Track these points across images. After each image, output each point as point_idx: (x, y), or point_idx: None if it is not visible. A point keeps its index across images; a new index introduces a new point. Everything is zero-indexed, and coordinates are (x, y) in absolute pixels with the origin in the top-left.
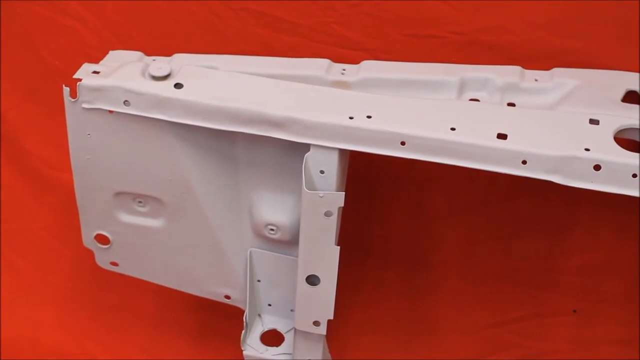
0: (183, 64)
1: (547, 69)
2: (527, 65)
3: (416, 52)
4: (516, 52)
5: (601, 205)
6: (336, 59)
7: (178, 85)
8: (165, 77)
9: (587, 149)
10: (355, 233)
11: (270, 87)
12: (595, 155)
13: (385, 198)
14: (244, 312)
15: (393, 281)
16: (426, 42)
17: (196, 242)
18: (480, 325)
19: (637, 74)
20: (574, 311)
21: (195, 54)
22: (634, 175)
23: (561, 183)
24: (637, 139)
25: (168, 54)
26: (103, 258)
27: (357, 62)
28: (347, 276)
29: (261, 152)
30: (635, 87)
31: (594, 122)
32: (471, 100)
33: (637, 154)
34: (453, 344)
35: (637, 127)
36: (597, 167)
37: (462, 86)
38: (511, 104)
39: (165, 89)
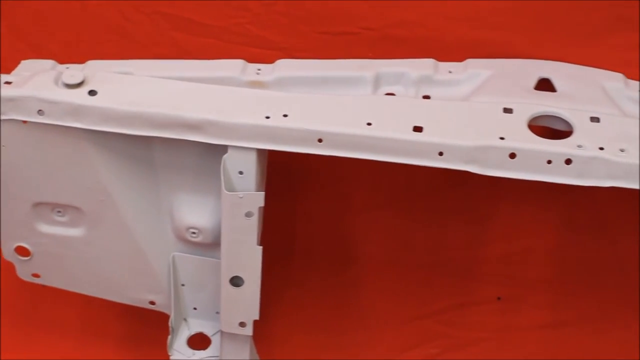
0: (97, 70)
1: (461, 60)
2: (440, 58)
3: (331, 49)
4: (430, 45)
5: (520, 193)
6: (251, 59)
7: (92, 92)
8: (79, 85)
9: (502, 138)
10: (279, 232)
11: (185, 90)
12: (510, 144)
13: (307, 195)
14: (169, 317)
15: (319, 278)
16: (340, 39)
17: (118, 250)
18: (407, 317)
19: (549, 62)
20: (498, 299)
21: (108, 60)
22: (549, 162)
23: (478, 172)
24: (551, 126)
25: (81, 61)
26: (24, 270)
27: (272, 62)
28: (272, 276)
29: (179, 156)
30: (547, 75)
31: (507, 111)
32: (387, 94)
33: (551, 141)
34: (381, 338)
35: (551, 114)
36: (512, 155)
37: (377, 81)
38: (426, 97)
39: (79, 96)
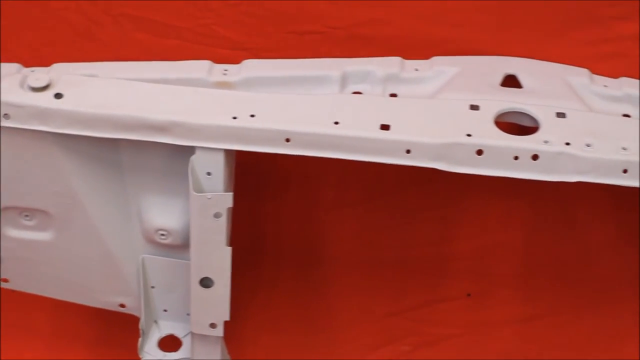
0: (62, 73)
1: (427, 58)
2: (407, 56)
3: (297, 48)
4: (396, 44)
5: (488, 189)
6: (217, 60)
7: (58, 96)
8: (45, 88)
9: (468, 135)
10: (248, 232)
11: (151, 91)
12: (477, 140)
13: (276, 195)
14: (140, 319)
15: (289, 278)
16: (306, 38)
17: (86, 253)
18: (378, 315)
19: (515, 58)
20: (468, 295)
21: (74, 62)
22: (516, 158)
23: (446, 170)
24: (518, 122)
25: (47, 64)
26: None
27: (239, 62)
28: (242, 276)
29: (146, 157)
30: (513, 72)
31: (474, 107)
32: (354, 93)
33: (517, 137)
34: (352, 336)
35: (517, 110)
36: (479, 152)
37: (344, 80)
38: (393, 95)
39: (45, 99)
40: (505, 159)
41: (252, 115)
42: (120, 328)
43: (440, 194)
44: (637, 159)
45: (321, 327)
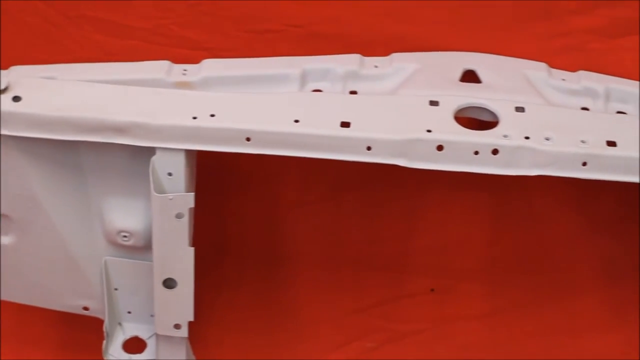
0: (21, 76)
1: (386, 55)
2: (366, 53)
3: (256, 47)
4: (355, 41)
5: (449, 184)
6: (177, 60)
7: (16, 99)
8: (3, 91)
9: (429, 131)
10: (211, 232)
11: (111, 93)
12: (437, 136)
13: (238, 194)
14: (104, 322)
15: (253, 277)
16: (266, 36)
17: (48, 256)
18: (343, 312)
19: (474, 53)
20: (432, 290)
21: (32, 65)
22: (476, 153)
23: (407, 166)
24: (477, 117)
25: (4, 67)
26: None
27: (198, 62)
28: (206, 276)
29: (107, 159)
30: (471, 67)
31: (434, 103)
32: (313, 91)
33: (477, 132)
34: (318, 334)
35: (476, 105)
36: (439, 148)
37: (304, 78)
38: (353, 92)
39: (3, 102)
40: (466, 154)
41: (212, 115)
42: (84, 331)
43: (402, 190)
44: (596, 151)
45: (286, 326)
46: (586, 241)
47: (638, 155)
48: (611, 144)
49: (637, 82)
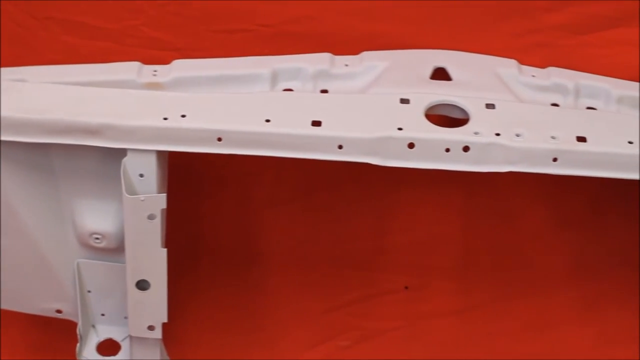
0: None
1: (357, 53)
2: (336, 52)
3: (227, 47)
4: (325, 40)
5: (422, 181)
6: (147, 61)
7: None
8: None
9: (400, 129)
10: (183, 233)
11: (81, 94)
12: (408, 134)
13: (211, 195)
14: (77, 324)
15: (227, 277)
16: (236, 36)
17: (21, 260)
18: (317, 312)
19: (444, 51)
20: (406, 288)
21: (2, 68)
22: (447, 150)
23: (379, 164)
24: (448, 114)
25: None
26: None
27: (169, 63)
28: (179, 277)
29: (78, 161)
30: (442, 64)
31: (404, 101)
32: (284, 90)
33: (448, 129)
34: (291, 333)
35: (447, 102)
36: (411, 145)
37: (275, 77)
38: (324, 91)
39: None
40: (437, 152)
41: (183, 116)
42: (58, 334)
43: (375, 189)
44: (567, 147)
45: (260, 326)
46: (557, 237)
47: (608, 150)
48: (581, 139)
49: (606, 78)
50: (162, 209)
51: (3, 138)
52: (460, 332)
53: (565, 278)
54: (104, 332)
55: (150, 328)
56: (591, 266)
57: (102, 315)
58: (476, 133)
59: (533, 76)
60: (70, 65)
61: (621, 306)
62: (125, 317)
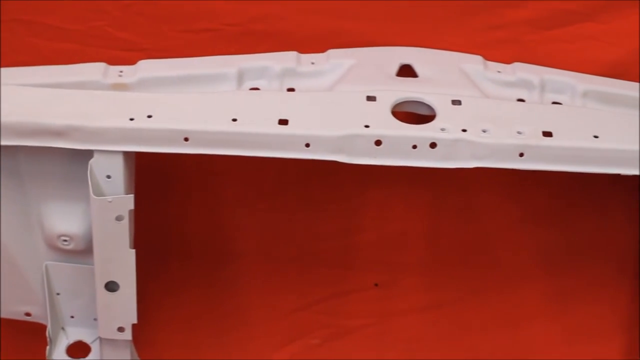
0: None
1: (323, 51)
2: (302, 50)
3: (193, 47)
4: (291, 38)
5: (389, 179)
6: (112, 62)
7: None
8: None
9: (366, 126)
10: (152, 234)
11: (47, 96)
12: (375, 131)
13: (179, 195)
14: (47, 327)
15: (196, 277)
16: (202, 36)
17: None
18: (288, 310)
19: (409, 48)
20: (375, 285)
21: None
22: (414, 147)
23: (346, 161)
24: (415, 111)
25: None
26: None
27: (134, 63)
28: (149, 278)
29: (45, 163)
30: (408, 61)
31: (371, 99)
32: (251, 89)
33: (414, 126)
34: (264, 332)
35: (413, 99)
36: (378, 143)
37: (241, 76)
38: (291, 89)
39: None
40: (404, 149)
41: (150, 116)
42: (27, 337)
43: (343, 186)
44: (533, 142)
45: (231, 326)
46: (525, 232)
47: (574, 145)
48: (547, 134)
49: (571, 73)
50: (130, 210)
51: None
52: (430, 328)
53: (533, 273)
54: (73, 334)
55: (120, 329)
56: (559, 261)
57: (72, 317)
58: (443, 129)
59: (499, 72)
60: (36, 67)
61: (589, 300)
62: (95, 319)
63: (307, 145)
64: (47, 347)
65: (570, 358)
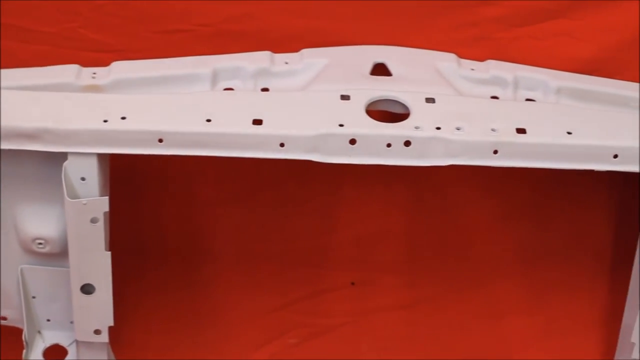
0: None
1: (296, 51)
2: (276, 50)
3: (167, 48)
4: (265, 38)
5: (365, 177)
6: (86, 63)
7: None
8: None
9: (341, 125)
10: (129, 235)
11: (19, 99)
12: (349, 130)
13: (155, 196)
14: (23, 331)
15: (173, 277)
16: (175, 37)
17: None
18: (265, 310)
19: (383, 46)
20: (352, 283)
21: None
22: (389, 145)
23: (321, 161)
24: (389, 110)
25: None
26: None
27: (108, 65)
28: (126, 279)
29: (18, 166)
30: (381, 60)
31: (345, 97)
32: (225, 89)
33: (389, 124)
34: (241, 332)
35: (387, 98)
36: (352, 141)
37: (215, 77)
38: (265, 89)
39: None
40: (378, 147)
41: (123, 118)
42: (3, 341)
43: (319, 185)
44: (507, 139)
45: (209, 326)
46: (502, 227)
47: (547, 141)
48: (521, 131)
49: (544, 70)
50: (105, 212)
51: None
52: (408, 326)
53: (510, 269)
54: (50, 337)
55: (97, 332)
56: (536, 256)
57: (48, 320)
58: (417, 127)
59: (472, 69)
60: (8, 69)
61: (568, 294)
62: (72, 322)
63: (282, 145)
64: (24, 351)
65: (549, 352)
